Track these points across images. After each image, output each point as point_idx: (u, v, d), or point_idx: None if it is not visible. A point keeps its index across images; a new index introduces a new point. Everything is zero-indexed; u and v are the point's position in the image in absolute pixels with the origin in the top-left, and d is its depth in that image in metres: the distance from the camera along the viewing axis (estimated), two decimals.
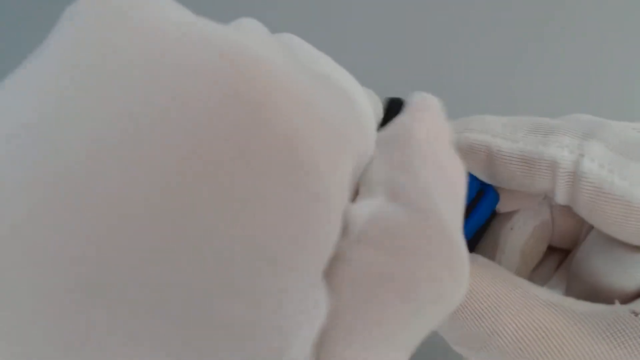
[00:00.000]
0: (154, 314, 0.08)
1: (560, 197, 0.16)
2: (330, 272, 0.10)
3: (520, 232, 0.18)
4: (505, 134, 0.16)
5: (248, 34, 0.11)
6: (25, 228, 0.08)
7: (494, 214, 0.19)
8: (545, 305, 0.14)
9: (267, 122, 0.09)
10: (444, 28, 0.38)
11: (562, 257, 0.20)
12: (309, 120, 0.09)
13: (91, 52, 0.09)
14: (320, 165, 0.09)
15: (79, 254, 0.08)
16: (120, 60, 0.09)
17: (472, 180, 0.17)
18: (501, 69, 0.36)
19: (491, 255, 0.18)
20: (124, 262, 0.08)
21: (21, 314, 0.08)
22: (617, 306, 0.14)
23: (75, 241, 0.08)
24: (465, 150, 0.16)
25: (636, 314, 0.14)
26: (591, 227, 0.18)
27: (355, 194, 0.12)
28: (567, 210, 0.18)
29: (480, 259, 0.16)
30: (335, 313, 0.10)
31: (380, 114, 0.14)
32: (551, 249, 0.20)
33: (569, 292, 0.18)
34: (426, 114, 0.13)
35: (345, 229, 0.11)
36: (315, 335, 0.10)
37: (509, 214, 0.19)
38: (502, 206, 0.18)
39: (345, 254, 0.10)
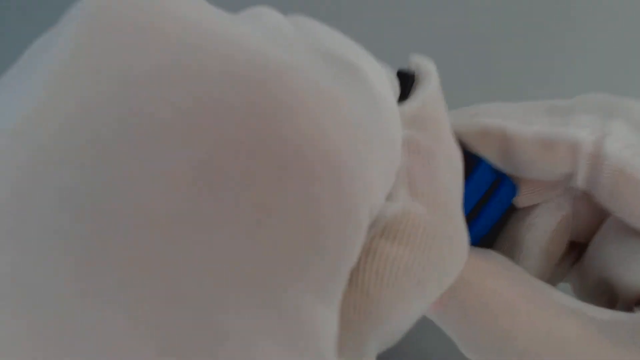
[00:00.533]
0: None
1: (581, 182, 0.15)
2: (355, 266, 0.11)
3: (542, 230, 0.17)
4: (518, 117, 0.15)
5: (269, 33, 0.11)
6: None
7: (511, 209, 0.18)
8: (565, 312, 0.14)
9: (294, 127, 0.09)
10: (449, 29, 0.38)
11: (578, 252, 0.19)
12: (335, 122, 0.09)
13: (112, 52, 0.09)
14: (349, 166, 0.09)
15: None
16: (142, 62, 0.09)
17: (485, 170, 0.16)
18: (506, 71, 0.36)
19: (510, 254, 0.17)
20: None
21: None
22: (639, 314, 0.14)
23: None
24: (478, 136, 0.15)
25: None
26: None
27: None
28: (589, 201, 0.17)
29: (500, 258, 0.16)
30: (359, 306, 0.10)
31: (397, 92, 0.13)
32: (568, 244, 0.19)
33: (581, 285, 0.17)
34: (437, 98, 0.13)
35: (373, 224, 0.11)
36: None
37: (528, 209, 0.18)
38: (521, 201, 0.17)
39: (371, 250, 0.11)
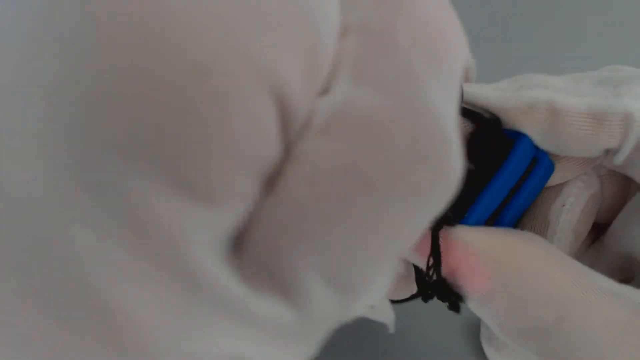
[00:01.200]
0: None
1: (622, 157, 0.15)
2: (275, 180, 0.09)
3: (573, 210, 0.17)
4: (569, 89, 0.14)
5: None
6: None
7: None
8: (608, 294, 0.14)
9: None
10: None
11: (596, 233, 0.19)
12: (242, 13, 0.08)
13: None
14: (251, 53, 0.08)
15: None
16: None
17: (528, 146, 0.15)
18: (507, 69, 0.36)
19: (540, 234, 0.17)
20: None
21: None
22: None
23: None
24: (524, 110, 0.15)
25: None
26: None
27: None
28: (616, 179, 0.17)
29: (542, 241, 0.15)
30: (284, 220, 0.09)
31: None
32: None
33: (592, 264, 0.17)
34: None
35: (304, 126, 0.09)
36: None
37: (557, 188, 0.17)
38: (552, 179, 0.17)
39: (300, 153, 0.09)
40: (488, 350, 0.18)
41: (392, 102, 0.09)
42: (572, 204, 0.17)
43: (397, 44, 0.09)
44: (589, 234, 0.18)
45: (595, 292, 0.14)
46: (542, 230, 0.17)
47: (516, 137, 0.15)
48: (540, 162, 0.16)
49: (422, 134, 0.09)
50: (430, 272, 0.15)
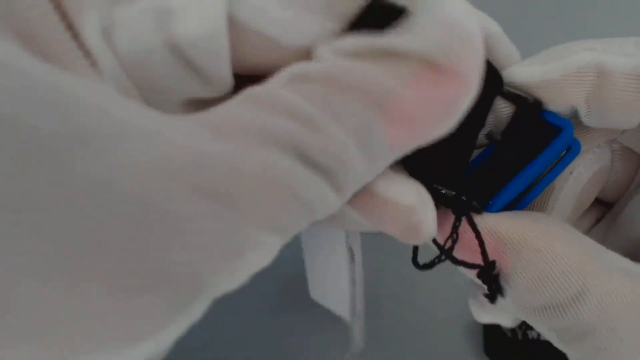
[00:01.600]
0: None
1: None
2: None
3: (580, 178, 0.17)
4: (614, 50, 0.14)
5: None
6: None
7: None
8: (625, 274, 0.14)
9: None
10: None
11: (601, 213, 0.18)
12: None
13: None
14: None
15: None
16: None
17: (568, 136, 0.15)
18: None
19: (543, 199, 0.17)
20: None
21: None
22: None
23: None
24: (573, 76, 0.14)
25: None
26: None
27: None
28: (628, 156, 0.16)
29: (558, 220, 0.15)
30: None
31: None
32: (593, 202, 0.18)
33: (607, 247, 0.17)
34: None
35: None
36: None
37: None
38: None
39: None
40: (473, 305, 0.18)
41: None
42: (580, 173, 0.17)
43: None
44: (591, 214, 0.18)
45: (612, 270, 0.14)
46: (546, 194, 0.17)
47: (556, 122, 0.15)
48: (572, 149, 0.15)
49: None
50: (442, 257, 0.15)
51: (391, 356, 0.32)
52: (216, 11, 0.10)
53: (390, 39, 0.11)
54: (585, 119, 0.15)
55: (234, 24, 0.10)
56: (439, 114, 0.11)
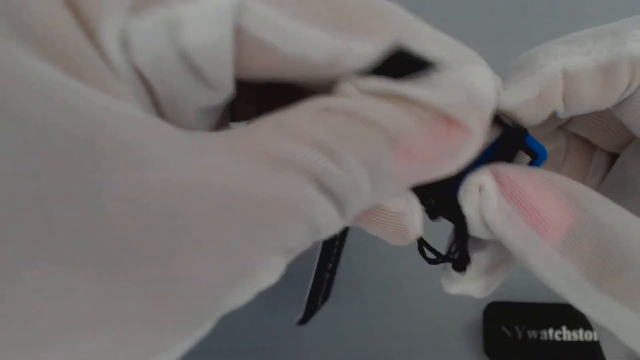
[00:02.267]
0: None
1: (634, 104, 0.15)
2: None
3: None
4: (575, 51, 0.15)
5: None
6: None
7: None
8: None
9: None
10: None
11: None
12: None
13: None
14: None
15: None
16: None
17: (543, 159, 0.16)
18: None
19: None
20: None
21: None
22: None
23: None
24: (548, 88, 0.15)
25: None
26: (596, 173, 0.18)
27: None
28: (584, 144, 0.17)
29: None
30: None
31: None
32: None
33: None
34: None
35: None
36: None
37: None
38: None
39: None
40: (443, 277, 0.18)
41: None
42: None
43: None
44: None
45: None
46: None
47: (534, 147, 0.16)
48: (539, 156, 0.16)
49: None
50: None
51: (391, 356, 0.32)
52: (223, 21, 0.11)
53: (412, 87, 0.12)
54: (562, 115, 0.16)
55: (238, 33, 0.11)
56: (445, 157, 0.12)
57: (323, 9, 0.11)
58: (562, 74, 0.15)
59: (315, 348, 0.32)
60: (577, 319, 0.31)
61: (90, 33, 0.10)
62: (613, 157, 0.19)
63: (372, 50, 0.11)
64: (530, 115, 0.15)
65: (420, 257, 0.17)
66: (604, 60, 0.14)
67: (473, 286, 0.17)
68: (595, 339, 0.31)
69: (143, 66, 0.11)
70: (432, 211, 0.16)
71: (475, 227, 0.15)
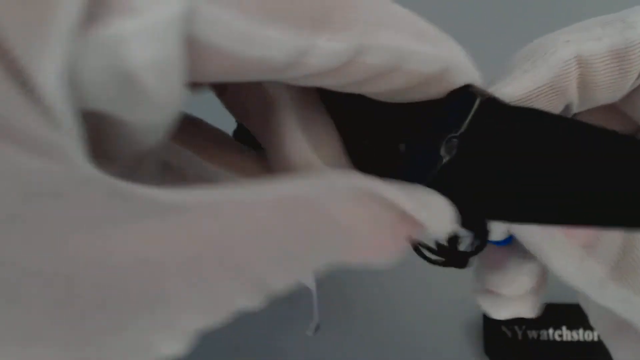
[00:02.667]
0: None
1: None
2: None
3: None
4: (585, 37, 0.14)
5: None
6: None
7: None
8: None
9: None
10: None
11: None
12: None
13: None
14: None
15: None
16: None
17: None
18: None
19: None
20: None
21: None
22: None
23: None
24: (561, 76, 0.14)
25: None
26: None
27: None
28: None
29: None
30: None
31: None
32: None
33: None
34: None
35: None
36: None
37: None
38: None
39: None
40: (486, 303, 0.18)
41: None
42: None
43: None
44: None
45: None
46: None
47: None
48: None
49: None
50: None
51: (391, 356, 0.32)
52: (171, 34, 0.10)
53: (385, 187, 0.11)
54: (577, 108, 0.15)
55: (191, 42, 0.10)
56: (393, 252, 0.12)
57: (283, 5, 0.10)
58: (576, 60, 0.14)
59: (315, 347, 0.32)
60: (577, 319, 0.31)
61: (18, 79, 0.09)
62: None
63: (338, 47, 0.11)
64: (544, 106, 0.15)
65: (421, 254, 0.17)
66: (618, 45, 0.14)
67: (524, 307, 0.17)
68: (596, 339, 0.31)
69: (85, 97, 0.10)
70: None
71: (495, 231, 0.15)
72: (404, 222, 0.12)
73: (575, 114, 0.17)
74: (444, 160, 0.14)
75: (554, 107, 0.15)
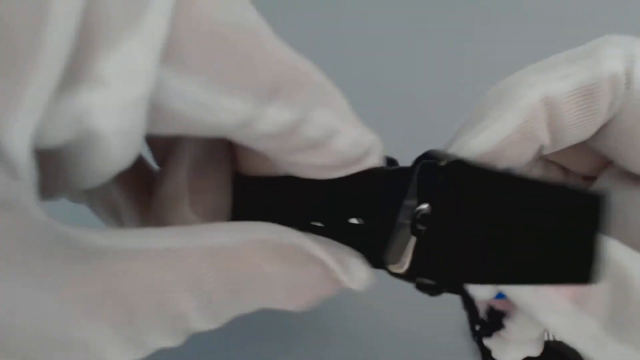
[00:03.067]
0: None
1: (612, 130, 0.14)
2: None
3: None
4: (550, 77, 0.14)
5: None
6: None
7: None
8: None
9: None
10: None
11: None
12: None
13: None
14: None
15: None
16: None
17: None
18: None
19: None
20: None
21: None
22: None
23: None
24: (530, 120, 0.14)
25: None
26: None
27: None
28: (559, 170, 0.17)
29: None
30: None
31: None
32: None
33: None
34: None
35: None
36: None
37: None
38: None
39: None
40: (493, 345, 0.18)
41: None
42: None
43: None
44: None
45: None
46: None
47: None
48: None
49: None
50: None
51: (390, 356, 0.32)
52: (138, 107, 0.10)
53: (317, 248, 0.12)
54: (549, 150, 0.15)
55: (155, 109, 0.11)
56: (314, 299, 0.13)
57: (241, 77, 0.11)
58: (543, 102, 0.14)
59: (316, 345, 0.32)
60: None
61: None
62: (588, 180, 0.19)
63: (284, 116, 0.12)
64: (517, 154, 0.15)
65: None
66: (583, 82, 0.14)
67: (531, 350, 0.18)
68: None
69: (43, 143, 0.10)
70: (431, 289, 0.16)
71: (481, 294, 0.15)
72: (326, 279, 0.13)
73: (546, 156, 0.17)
74: (411, 230, 0.14)
75: (527, 151, 0.15)
